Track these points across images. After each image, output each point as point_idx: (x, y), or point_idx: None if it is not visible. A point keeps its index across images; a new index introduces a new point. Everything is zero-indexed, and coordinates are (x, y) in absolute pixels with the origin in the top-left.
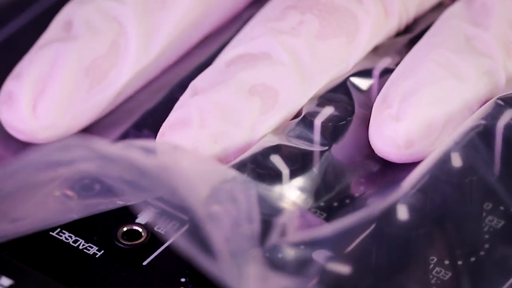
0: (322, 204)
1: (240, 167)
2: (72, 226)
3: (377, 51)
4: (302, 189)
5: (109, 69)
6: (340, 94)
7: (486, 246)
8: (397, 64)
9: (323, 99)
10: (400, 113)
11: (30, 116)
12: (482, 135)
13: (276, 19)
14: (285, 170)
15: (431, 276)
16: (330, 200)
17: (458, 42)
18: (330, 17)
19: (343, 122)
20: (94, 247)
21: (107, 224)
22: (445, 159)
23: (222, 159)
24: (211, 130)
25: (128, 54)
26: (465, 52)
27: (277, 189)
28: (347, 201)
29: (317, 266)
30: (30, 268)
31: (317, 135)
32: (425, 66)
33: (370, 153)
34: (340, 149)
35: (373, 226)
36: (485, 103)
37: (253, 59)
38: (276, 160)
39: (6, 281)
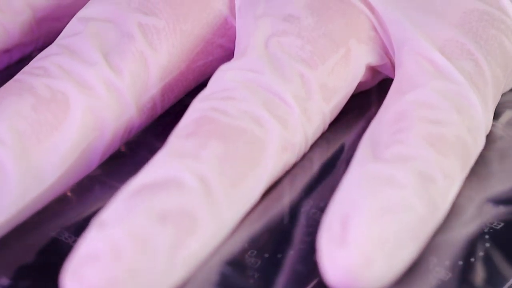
0: None
1: None
2: (72, 227)
3: None
4: None
5: None
6: None
7: (486, 246)
8: None
9: None
10: (345, 236)
11: None
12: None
13: (179, 146)
14: None
15: (431, 276)
16: None
17: (384, 155)
18: (235, 141)
19: None
20: None
21: None
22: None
23: None
24: (127, 263)
25: (5, 195)
26: (395, 161)
27: None
28: None
29: None
30: (30, 268)
31: None
32: (358, 184)
33: None
34: None
35: None
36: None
37: (159, 186)
38: None
39: (6, 281)
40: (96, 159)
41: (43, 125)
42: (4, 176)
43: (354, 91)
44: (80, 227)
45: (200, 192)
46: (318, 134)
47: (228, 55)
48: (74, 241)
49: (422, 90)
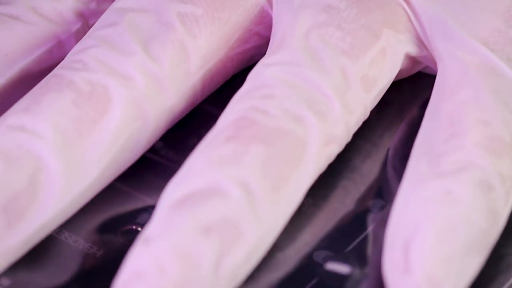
0: None
1: None
2: (72, 226)
3: None
4: None
5: (28, 206)
6: None
7: None
8: None
9: None
10: (408, 262)
11: None
12: None
13: (218, 152)
14: None
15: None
16: None
17: (440, 166)
18: (276, 143)
19: None
20: (94, 246)
21: (107, 224)
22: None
23: None
24: (172, 278)
25: (50, 191)
26: (452, 172)
27: None
28: None
29: None
30: (30, 268)
31: None
32: (416, 205)
33: None
34: None
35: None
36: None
37: (202, 196)
38: None
39: (6, 281)
40: (140, 149)
41: (85, 120)
42: (48, 172)
43: (395, 78)
44: (79, 226)
45: (243, 200)
46: (359, 123)
47: (265, 43)
48: (74, 241)
49: (470, 89)
